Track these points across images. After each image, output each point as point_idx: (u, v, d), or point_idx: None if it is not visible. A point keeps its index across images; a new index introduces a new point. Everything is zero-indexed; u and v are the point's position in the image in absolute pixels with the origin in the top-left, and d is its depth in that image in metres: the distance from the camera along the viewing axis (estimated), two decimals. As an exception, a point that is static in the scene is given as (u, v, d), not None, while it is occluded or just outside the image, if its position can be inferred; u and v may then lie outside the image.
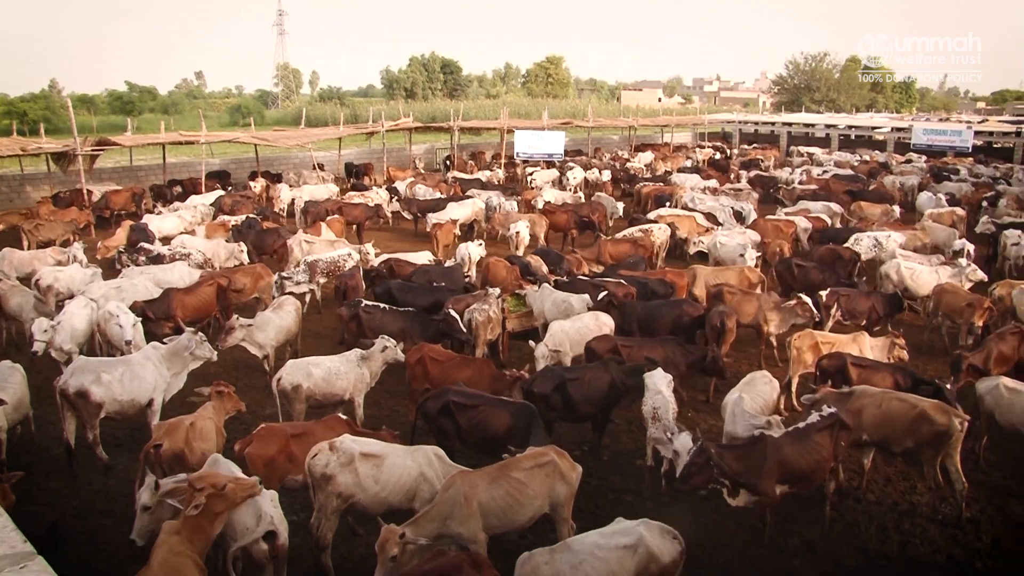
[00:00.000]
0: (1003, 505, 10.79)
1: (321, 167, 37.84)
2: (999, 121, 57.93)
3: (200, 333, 12.57)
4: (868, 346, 13.74)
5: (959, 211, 26.94)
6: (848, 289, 16.83)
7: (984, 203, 29.77)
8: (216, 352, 12.88)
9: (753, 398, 11.23)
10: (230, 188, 32.81)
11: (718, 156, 48.68)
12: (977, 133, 49.30)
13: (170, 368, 12.05)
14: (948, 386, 11.49)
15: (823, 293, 16.48)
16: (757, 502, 9.49)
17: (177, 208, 26.73)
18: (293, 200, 29.58)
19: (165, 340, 12.86)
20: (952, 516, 10.38)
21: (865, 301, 16.53)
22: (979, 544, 9.87)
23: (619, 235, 23.24)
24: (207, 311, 16.20)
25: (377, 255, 19.95)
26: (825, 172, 39.14)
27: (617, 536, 7.37)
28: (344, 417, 10.59)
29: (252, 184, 33.26)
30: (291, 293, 17.25)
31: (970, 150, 47.75)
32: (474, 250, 20.65)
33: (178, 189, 32.98)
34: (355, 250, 19.88)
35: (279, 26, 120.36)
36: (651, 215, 25.31)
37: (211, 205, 27.26)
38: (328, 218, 24.95)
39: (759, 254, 20.88)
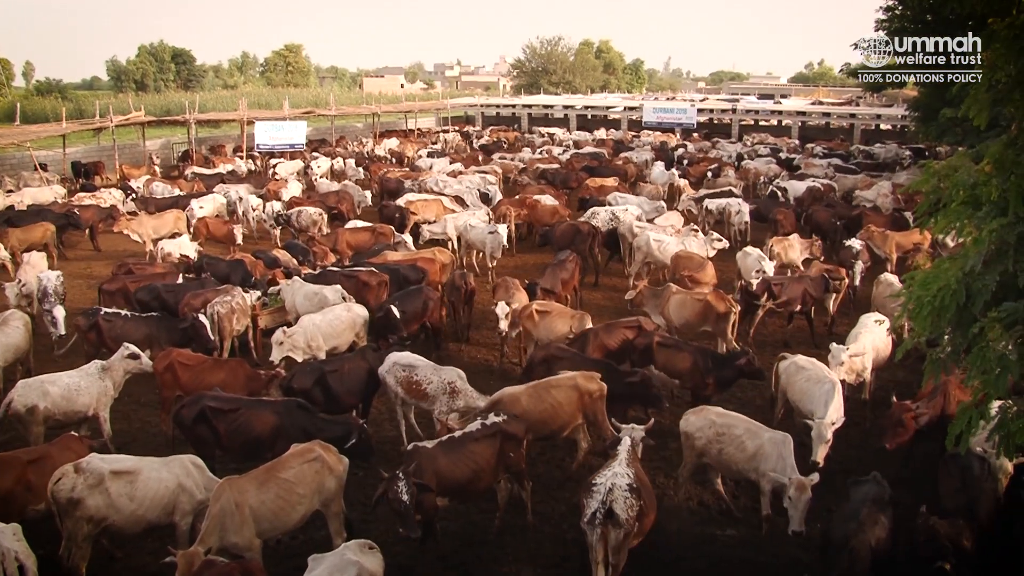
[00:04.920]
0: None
1: (44, 167, 34.92)
2: (718, 99, 62.91)
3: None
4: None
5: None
6: (780, 277, 16.70)
7: (708, 175, 32.36)
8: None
9: None
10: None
11: (466, 140, 49.63)
12: (700, 111, 53.49)
13: None
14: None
15: (753, 282, 16.26)
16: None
17: None
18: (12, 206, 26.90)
19: None
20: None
21: (797, 286, 16.10)
22: (726, 487, 10.69)
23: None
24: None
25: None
26: (566, 151, 41.03)
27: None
28: (76, 435, 9.91)
29: (-38, 189, 30.01)
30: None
31: (695, 126, 51.71)
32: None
33: None
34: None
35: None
36: (400, 201, 25.32)
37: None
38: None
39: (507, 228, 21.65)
